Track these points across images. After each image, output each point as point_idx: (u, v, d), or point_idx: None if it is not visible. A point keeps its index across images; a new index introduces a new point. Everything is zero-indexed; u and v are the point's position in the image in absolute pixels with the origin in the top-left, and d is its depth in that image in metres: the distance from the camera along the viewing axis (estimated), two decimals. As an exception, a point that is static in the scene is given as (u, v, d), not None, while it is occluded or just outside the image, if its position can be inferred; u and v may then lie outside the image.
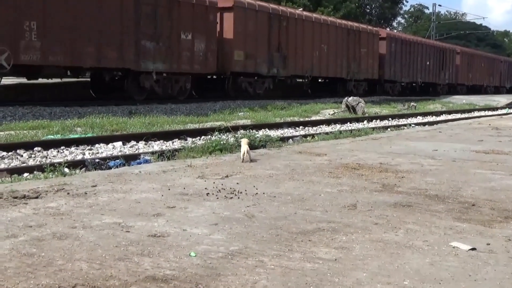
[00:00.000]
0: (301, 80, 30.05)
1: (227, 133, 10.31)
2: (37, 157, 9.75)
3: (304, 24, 28.65)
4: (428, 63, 41.51)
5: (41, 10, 16.82)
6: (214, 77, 25.50)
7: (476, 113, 28.71)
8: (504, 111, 31.06)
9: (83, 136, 12.19)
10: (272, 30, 26.32)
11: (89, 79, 22.31)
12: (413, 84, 40.90)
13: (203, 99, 23.62)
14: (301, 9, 38.65)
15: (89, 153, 10.38)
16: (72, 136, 12.18)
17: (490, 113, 28.98)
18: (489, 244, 3.65)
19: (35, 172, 7.96)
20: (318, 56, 29.81)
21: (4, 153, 9.71)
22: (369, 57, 34.57)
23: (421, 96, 38.60)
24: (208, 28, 22.97)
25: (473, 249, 3.52)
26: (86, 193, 4.88)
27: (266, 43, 26.10)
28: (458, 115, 26.75)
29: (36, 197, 4.69)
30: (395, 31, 68.75)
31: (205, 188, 5.17)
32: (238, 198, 4.83)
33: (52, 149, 10.38)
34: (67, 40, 17.68)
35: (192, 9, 22.10)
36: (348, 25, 33.23)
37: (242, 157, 6.96)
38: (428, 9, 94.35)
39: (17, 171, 8.08)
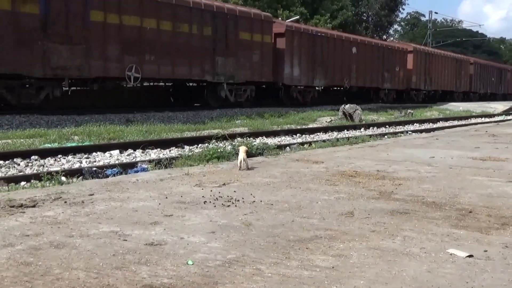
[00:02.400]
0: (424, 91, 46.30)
1: (225, 141, 10.32)
2: (34, 165, 9.74)
3: (436, 58, 45.82)
4: (493, 79, 58.81)
5: (355, 60, 34.35)
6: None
7: (473, 120, 28.76)
8: (501, 118, 31.11)
9: (80, 144, 12.18)
10: (426, 62, 43.75)
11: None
12: (486, 93, 57.14)
13: (202, 107, 23.97)
14: (298, 17, 38.75)
15: (86, 162, 10.38)
16: (69, 144, 12.17)
17: (487, 120, 29.02)
18: (486, 251, 3.65)
19: (32, 181, 7.95)
20: (443, 77, 46.93)
21: (1, 162, 9.70)
22: (465, 76, 51.63)
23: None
24: (403, 63, 40.51)
25: (470, 256, 3.52)
26: (83, 202, 4.87)
27: (423, 71, 43.46)
28: (455, 122, 26.79)
29: (33, 206, 4.68)
30: (392, 39, 69.44)
31: (203, 196, 5.17)
32: (236, 206, 4.83)
33: (49, 158, 10.38)
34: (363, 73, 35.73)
35: (400, 53, 40.24)
36: (457, 56, 51.55)
37: (239, 165, 6.96)
38: (425, 17, 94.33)
39: (14, 180, 8.08)
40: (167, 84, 24.59)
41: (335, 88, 34.22)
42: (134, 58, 20.62)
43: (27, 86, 18.00)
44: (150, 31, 21.06)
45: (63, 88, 19.44)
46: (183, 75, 22.80)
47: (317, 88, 31.29)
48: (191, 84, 25.28)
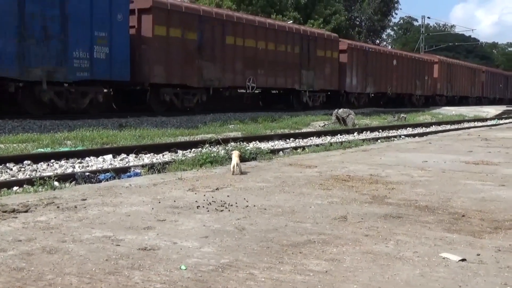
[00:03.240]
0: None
1: (218, 146, 10.32)
2: (26, 170, 9.70)
3: (456, 67, 53.23)
4: (501, 85, 66.70)
5: (395, 71, 41.29)
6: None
7: (466, 124, 28.81)
8: (493, 122, 31.22)
9: (73, 149, 12.15)
10: (448, 71, 51.10)
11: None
12: (495, 98, 64.42)
13: (195, 112, 24.11)
14: (291, 21, 38.84)
15: (79, 167, 10.34)
16: (62, 149, 12.14)
17: (479, 124, 29.10)
18: (479, 255, 3.66)
19: (24, 186, 7.92)
20: (461, 84, 54.24)
21: (-6, 167, 9.66)
22: (478, 83, 59.18)
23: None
24: (431, 73, 47.49)
25: (463, 260, 3.52)
26: (76, 207, 4.85)
27: (446, 79, 50.69)
28: (448, 126, 26.84)
29: (26, 211, 4.66)
30: (385, 43, 69.89)
31: (196, 201, 5.16)
32: (229, 210, 4.82)
33: (42, 163, 10.34)
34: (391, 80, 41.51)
35: (428, 64, 47.10)
36: (472, 66, 59.56)
37: (232, 169, 6.96)
38: (417, 21, 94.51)
39: (7, 185, 8.03)
40: (255, 91, 29.83)
41: (378, 94, 40.78)
42: (251, 72, 27.31)
43: (187, 93, 24.27)
44: (261, 50, 27.95)
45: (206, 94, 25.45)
46: (281, 84, 30.00)
47: (368, 94, 39.13)
48: (274, 91, 32.33)
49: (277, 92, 32.14)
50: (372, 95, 40.04)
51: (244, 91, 27.89)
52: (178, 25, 22.74)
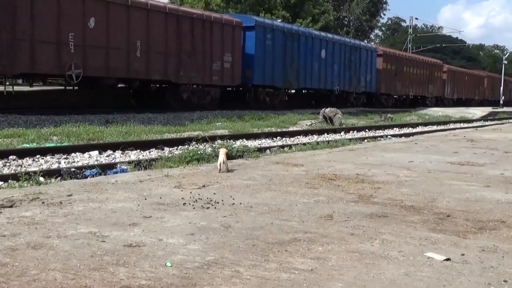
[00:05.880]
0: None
1: (205, 143, 10.30)
2: (11, 165, 9.63)
3: (494, 79, 71.89)
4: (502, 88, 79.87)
5: (466, 83, 63.48)
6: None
7: (452, 125, 28.95)
8: (479, 123, 31.41)
9: (58, 145, 12.07)
10: (491, 83, 70.56)
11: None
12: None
13: (183, 109, 24.06)
14: (280, 20, 38.88)
15: (64, 162, 10.29)
16: (47, 144, 12.06)
17: (465, 125, 29.24)
18: (464, 254, 3.68)
19: (9, 181, 7.85)
20: (498, 92, 68.69)
21: (-22, 162, 9.58)
22: (510, 91, 78.61)
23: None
24: (482, 84, 68.67)
25: (448, 259, 3.54)
26: (61, 202, 4.83)
27: (491, 88, 70.76)
28: (434, 127, 26.95)
29: (11, 206, 4.63)
30: (373, 43, 70.33)
31: (182, 198, 5.15)
32: (215, 208, 4.82)
33: (27, 158, 10.27)
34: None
35: (481, 78, 69.01)
36: (507, 78, 73.87)
37: (219, 167, 6.95)
38: (405, 22, 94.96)
39: (-9, 180, 8.01)
40: (393, 95, 46.78)
41: (460, 99, 60.58)
42: (410, 86, 47.15)
43: (388, 98, 46.00)
44: (413, 73, 47.60)
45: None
46: (420, 93, 49.45)
47: (454, 99, 58.74)
48: (404, 96, 48.61)
49: (405, 97, 48.78)
50: (456, 99, 59.18)
51: (405, 97, 47.21)
52: (389, 62, 43.54)
